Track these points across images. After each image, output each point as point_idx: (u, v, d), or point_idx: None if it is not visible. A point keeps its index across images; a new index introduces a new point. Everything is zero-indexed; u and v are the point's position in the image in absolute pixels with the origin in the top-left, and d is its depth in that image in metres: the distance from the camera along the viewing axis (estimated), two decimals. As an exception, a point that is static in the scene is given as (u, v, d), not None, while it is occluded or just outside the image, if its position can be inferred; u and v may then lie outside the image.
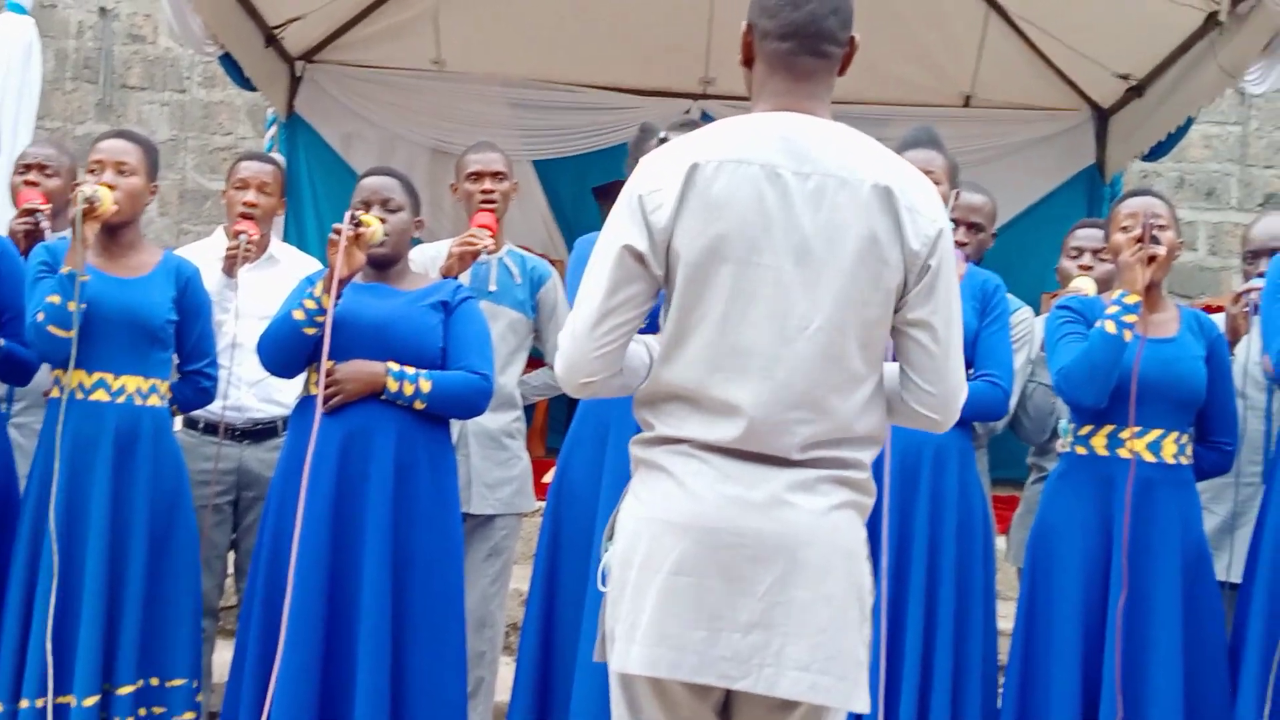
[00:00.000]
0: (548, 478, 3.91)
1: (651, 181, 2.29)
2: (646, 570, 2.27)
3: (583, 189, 7.66)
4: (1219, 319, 3.92)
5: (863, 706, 2.31)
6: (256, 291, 4.08)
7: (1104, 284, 4.11)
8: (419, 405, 3.53)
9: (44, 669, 3.42)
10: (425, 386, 3.53)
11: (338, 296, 3.47)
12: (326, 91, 7.47)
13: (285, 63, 7.31)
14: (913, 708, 3.50)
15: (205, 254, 4.19)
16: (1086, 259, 4.30)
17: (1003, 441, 4.28)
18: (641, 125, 3.90)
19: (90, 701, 3.44)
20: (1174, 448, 3.58)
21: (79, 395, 3.58)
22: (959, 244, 3.84)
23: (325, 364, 3.46)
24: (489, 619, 4.16)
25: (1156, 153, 7.06)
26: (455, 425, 3.92)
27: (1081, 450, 3.63)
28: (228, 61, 6.52)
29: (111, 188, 3.60)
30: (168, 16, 6.07)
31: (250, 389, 4.15)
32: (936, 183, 3.36)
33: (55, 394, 3.61)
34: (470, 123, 7.17)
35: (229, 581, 4.36)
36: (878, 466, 2.46)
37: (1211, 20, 5.88)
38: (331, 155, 7.48)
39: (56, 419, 3.55)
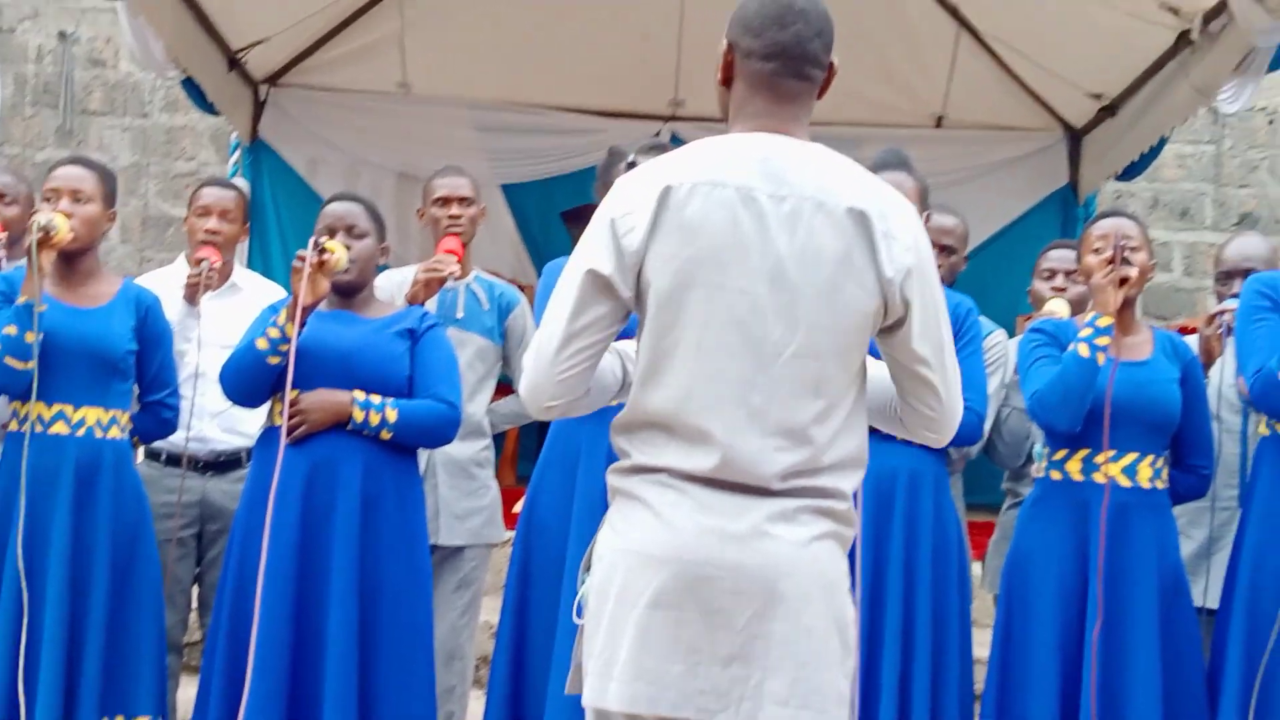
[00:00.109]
0: (518, 507, 3.85)
1: (624, 204, 2.25)
2: (623, 603, 2.22)
3: (551, 213, 7.60)
4: (1193, 340, 3.90)
5: (843, 740, 2.26)
6: (219, 320, 4.03)
7: (1078, 306, 4.09)
8: (385, 435, 3.50)
9: (14, 707, 3.36)
10: (391, 416, 3.49)
11: (302, 325, 3.44)
12: (291, 115, 7.39)
13: (249, 86, 7.23)
14: (890, 736, 3.47)
15: (167, 282, 4.14)
16: (1059, 280, 4.28)
17: (977, 466, 4.25)
18: (610, 149, 3.86)
19: (52, 739, 3.38)
20: (1149, 471, 3.56)
21: (38, 428, 3.53)
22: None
23: (289, 394, 3.41)
24: (458, 651, 4.10)
25: (1130, 173, 7.06)
26: (423, 455, 3.88)
27: (1056, 475, 3.60)
28: (190, 85, 6.45)
29: (68, 215, 3.55)
30: (129, 40, 5.96)
31: (213, 419, 4.09)
32: (907, 205, 3.33)
33: (15, 427, 3.55)
34: (437, 146, 7.09)
35: (193, 616, 4.29)
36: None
37: (1183, 39, 5.86)
38: (296, 180, 7.39)
39: (18, 452, 3.49)
